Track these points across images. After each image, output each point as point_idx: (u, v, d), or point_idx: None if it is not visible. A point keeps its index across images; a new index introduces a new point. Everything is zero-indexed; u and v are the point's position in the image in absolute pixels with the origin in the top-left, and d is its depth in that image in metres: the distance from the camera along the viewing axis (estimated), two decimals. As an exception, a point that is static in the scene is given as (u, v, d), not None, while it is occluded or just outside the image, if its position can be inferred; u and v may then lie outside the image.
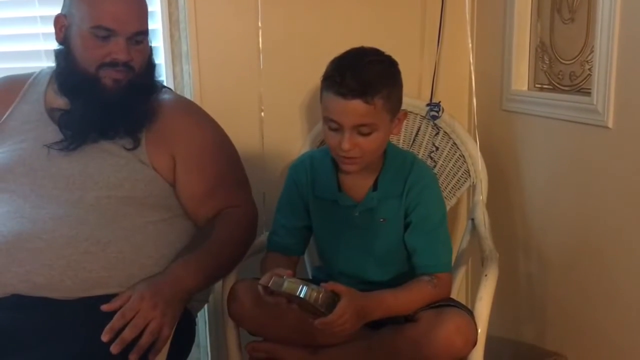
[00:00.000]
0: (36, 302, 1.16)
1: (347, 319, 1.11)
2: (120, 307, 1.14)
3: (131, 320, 1.13)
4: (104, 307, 1.14)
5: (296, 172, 1.36)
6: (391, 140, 1.32)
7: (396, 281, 1.28)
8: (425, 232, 1.27)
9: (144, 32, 1.31)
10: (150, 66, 1.37)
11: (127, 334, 1.12)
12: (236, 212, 1.37)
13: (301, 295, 1.07)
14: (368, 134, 1.19)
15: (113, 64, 1.27)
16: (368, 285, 1.25)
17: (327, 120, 1.20)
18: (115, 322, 1.12)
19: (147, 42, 1.35)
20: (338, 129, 1.19)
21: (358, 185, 1.29)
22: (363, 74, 1.16)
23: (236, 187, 1.41)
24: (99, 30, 1.26)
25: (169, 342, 1.19)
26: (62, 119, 1.30)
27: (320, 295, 1.09)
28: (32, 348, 1.09)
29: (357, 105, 1.15)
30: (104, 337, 1.11)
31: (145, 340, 1.14)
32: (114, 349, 1.10)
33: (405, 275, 1.30)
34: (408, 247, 1.29)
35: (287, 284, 1.08)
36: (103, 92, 1.28)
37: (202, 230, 1.35)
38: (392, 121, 1.23)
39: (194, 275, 1.24)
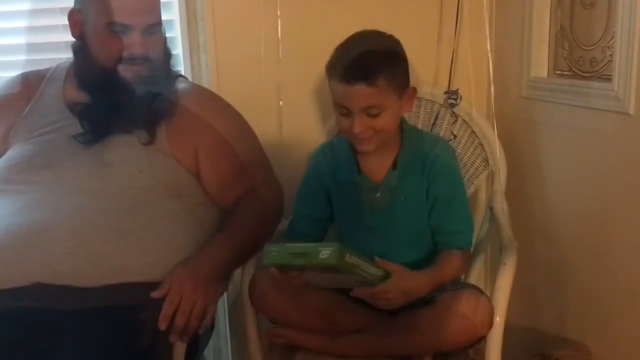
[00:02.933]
0: (58, 290, 1.18)
1: (391, 296, 1.15)
2: (167, 293, 1.17)
3: (179, 305, 1.16)
4: (154, 294, 1.17)
5: (317, 161, 1.38)
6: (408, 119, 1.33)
7: (418, 264, 1.28)
8: (451, 209, 1.30)
9: (158, 24, 1.32)
10: (167, 56, 1.38)
11: (179, 321, 1.17)
12: (262, 190, 1.40)
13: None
14: (377, 115, 1.21)
15: (131, 58, 1.29)
16: None
17: (336, 105, 1.24)
18: (167, 309, 1.16)
19: (162, 33, 1.35)
20: (347, 113, 1.22)
21: (377, 166, 1.31)
22: (363, 58, 1.18)
23: (260, 169, 1.44)
24: (114, 26, 1.27)
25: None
26: (83, 113, 1.32)
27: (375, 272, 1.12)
28: (56, 335, 1.11)
29: (361, 89, 1.18)
30: (162, 326, 1.15)
31: (193, 323, 1.18)
32: (162, 325, 1.15)
33: (427, 259, 1.31)
34: (432, 224, 1.31)
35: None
36: (124, 86, 1.30)
37: (231, 210, 1.37)
38: (401, 99, 1.24)
39: (227, 251, 1.27)
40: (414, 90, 1.28)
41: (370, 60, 1.19)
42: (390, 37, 1.26)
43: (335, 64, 1.21)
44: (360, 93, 1.19)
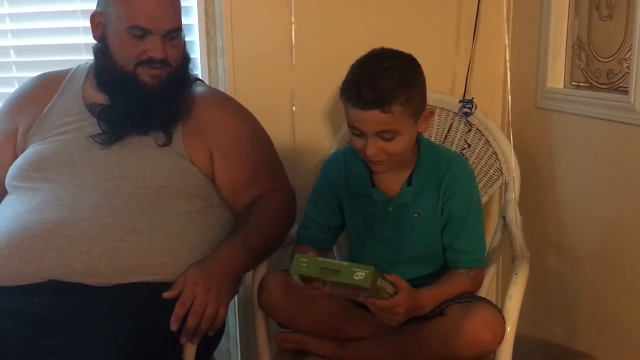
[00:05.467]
0: (73, 288, 1.20)
1: (402, 311, 1.14)
2: (179, 295, 1.19)
3: (191, 307, 1.18)
4: (166, 295, 1.19)
5: (330, 169, 1.37)
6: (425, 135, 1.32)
7: (428, 279, 1.28)
8: (464, 228, 1.28)
9: (178, 29, 1.34)
10: (186, 60, 1.40)
11: (191, 323, 1.18)
12: (275, 195, 1.41)
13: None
14: (392, 139, 1.19)
15: (150, 62, 1.31)
16: None
17: (350, 126, 1.22)
18: (179, 311, 1.18)
19: (182, 37, 1.37)
20: (361, 135, 1.20)
21: (392, 180, 1.29)
22: (379, 84, 1.15)
23: (274, 173, 1.46)
24: (135, 30, 1.29)
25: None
26: (102, 114, 1.34)
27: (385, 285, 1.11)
28: (69, 332, 1.12)
29: (375, 115, 1.16)
30: (173, 327, 1.17)
31: (204, 326, 1.20)
32: (174, 327, 1.17)
33: (438, 274, 1.30)
34: (444, 242, 1.30)
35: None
36: (143, 89, 1.32)
37: (244, 214, 1.39)
38: (417, 122, 1.22)
39: (240, 254, 1.29)
40: (431, 112, 1.25)
41: (385, 87, 1.15)
42: (408, 57, 1.21)
43: (350, 88, 1.17)
44: (375, 119, 1.16)
